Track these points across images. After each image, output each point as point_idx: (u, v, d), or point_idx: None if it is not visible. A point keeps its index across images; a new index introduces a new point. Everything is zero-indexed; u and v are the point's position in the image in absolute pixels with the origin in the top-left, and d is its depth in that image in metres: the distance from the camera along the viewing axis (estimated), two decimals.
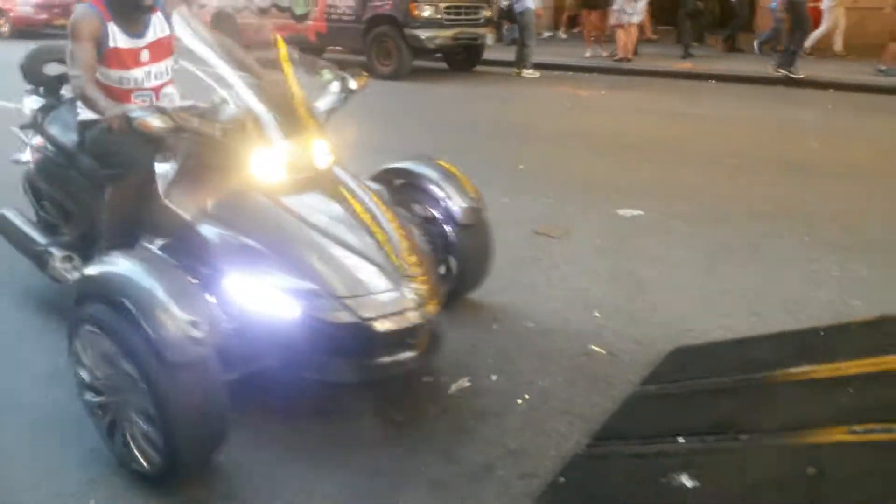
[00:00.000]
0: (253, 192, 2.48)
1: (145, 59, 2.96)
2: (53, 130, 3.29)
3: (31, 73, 3.55)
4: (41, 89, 3.55)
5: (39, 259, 3.24)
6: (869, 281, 3.72)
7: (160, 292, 2.06)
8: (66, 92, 3.54)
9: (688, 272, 3.88)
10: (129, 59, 2.91)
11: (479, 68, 12.48)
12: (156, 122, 2.32)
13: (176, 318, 2.01)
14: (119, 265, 2.24)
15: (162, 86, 3.06)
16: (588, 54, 13.37)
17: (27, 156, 3.56)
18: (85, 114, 2.97)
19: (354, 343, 2.32)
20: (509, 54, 12.28)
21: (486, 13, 11.56)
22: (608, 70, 12.22)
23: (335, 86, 2.92)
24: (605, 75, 11.90)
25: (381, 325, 2.26)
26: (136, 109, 2.39)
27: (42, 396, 2.70)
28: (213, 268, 2.41)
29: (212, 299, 2.28)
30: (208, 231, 2.45)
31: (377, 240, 2.42)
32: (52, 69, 3.57)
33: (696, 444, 2.16)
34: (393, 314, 2.28)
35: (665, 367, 2.82)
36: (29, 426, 2.54)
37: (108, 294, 2.15)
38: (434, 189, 3.10)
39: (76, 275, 3.05)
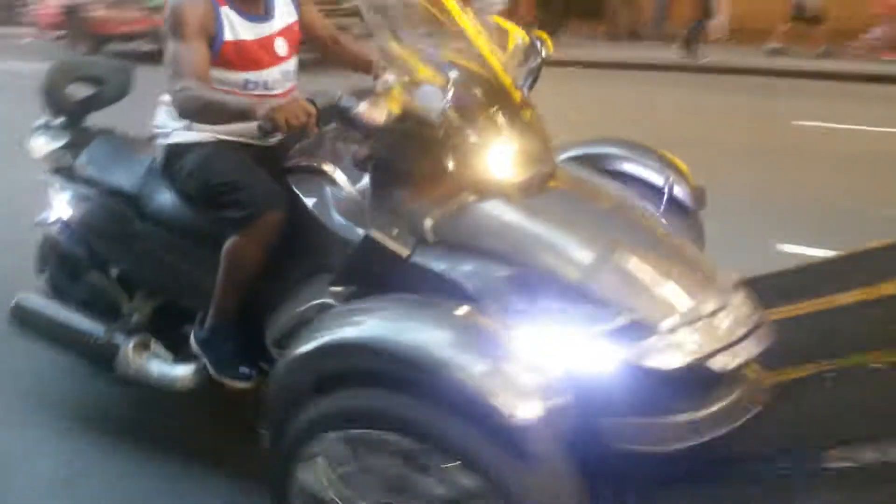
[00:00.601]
0: (493, 199, 1.81)
1: (283, 53, 2.16)
2: (99, 172, 2.49)
3: (55, 97, 2.63)
4: (60, 121, 2.67)
5: (97, 354, 2.40)
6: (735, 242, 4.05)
7: (490, 351, 1.45)
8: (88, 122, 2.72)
9: None
10: (260, 53, 2.11)
11: None
12: (383, 112, 1.69)
13: (532, 390, 1.40)
14: (393, 320, 1.55)
15: (289, 91, 2.22)
16: None
17: (58, 212, 2.61)
18: (178, 135, 2.19)
19: (682, 392, 1.65)
20: None
21: None
22: None
23: (525, 53, 2.24)
24: None
25: (720, 362, 1.62)
26: (336, 96, 1.70)
27: None
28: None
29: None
30: (444, 265, 1.72)
31: (670, 246, 1.87)
32: (75, 92, 2.73)
33: None
34: (730, 344, 1.65)
35: None
36: None
37: (387, 367, 1.48)
38: (649, 175, 2.40)
39: (159, 365, 2.32)
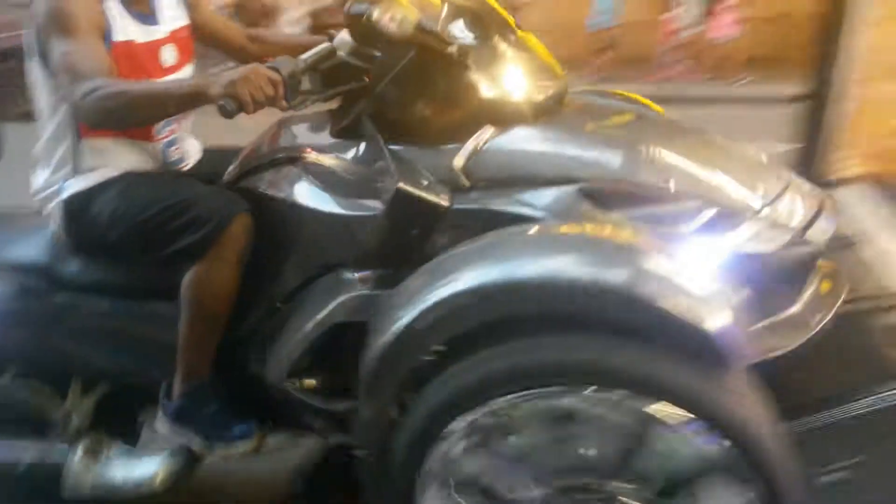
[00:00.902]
0: (521, 126, 1.62)
1: (172, 61, 1.80)
2: None
3: None
4: None
5: (36, 483, 1.90)
6: None
7: (638, 262, 1.29)
8: None
9: None
10: (147, 59, 1.75)
11: None
12: (405, 20, 1.45)
13: (709, 294, 1.28)
14: (503, 256, 1.35)
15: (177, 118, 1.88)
16: None
17: None
18: (75, 184, 1.75)
19: (780, 283, 1.53)
20: None
21: None
22: None
23: None
24: None
25: (816, 236, 1.55)
26: (301, 60, 1.52)
27: None
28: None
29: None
30: (496, 200, 1.53)
31: (711, 139, 1.78)
32: None
33: None
34: (813, 219, 1.57)
35: None
36: None
37: (529, 310, 1.30)
38: None
39: (121, 468, 1.83)
